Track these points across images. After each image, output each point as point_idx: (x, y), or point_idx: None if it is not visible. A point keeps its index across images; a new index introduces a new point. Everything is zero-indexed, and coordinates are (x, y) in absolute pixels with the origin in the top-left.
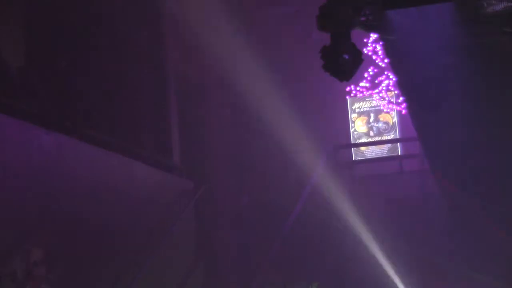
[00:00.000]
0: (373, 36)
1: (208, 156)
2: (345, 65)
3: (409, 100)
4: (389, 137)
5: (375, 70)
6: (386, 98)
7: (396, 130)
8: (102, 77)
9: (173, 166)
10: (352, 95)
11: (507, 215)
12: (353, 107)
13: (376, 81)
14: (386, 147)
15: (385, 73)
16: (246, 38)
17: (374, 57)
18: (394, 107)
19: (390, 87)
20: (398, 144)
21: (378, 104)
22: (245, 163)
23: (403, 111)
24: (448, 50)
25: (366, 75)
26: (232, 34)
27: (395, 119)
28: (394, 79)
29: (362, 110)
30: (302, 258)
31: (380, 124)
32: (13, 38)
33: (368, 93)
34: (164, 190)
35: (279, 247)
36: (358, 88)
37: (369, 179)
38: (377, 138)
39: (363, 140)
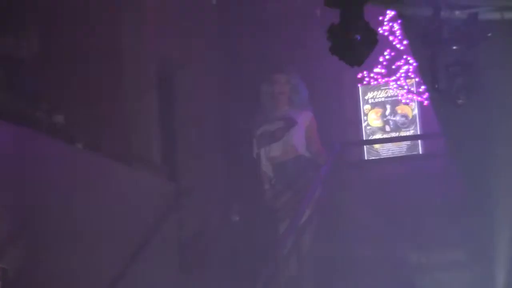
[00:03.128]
0: (390, 13)
1: (194, 154)
2: (356, 47)
3: (432, 89)
4: (408, 133)
5: (392, 54)
6: (405, 87)
7: (416, 124)
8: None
9: (153, 166)
10: (364, 83)
11: None
12: (366, 97)
13: (394, 67)
14: (404, 144)
15: (404, 57)
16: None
17: (391, 38)
18: (414, 97)
19: (409, 74)
20: (419, 141)
21: (396, 94)
22: (239, 163)
23: (425, 102)
24: None
25: (381, 59)
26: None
27: (416, 111)
28: (414, 64)
29: (376, 100)
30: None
31: (397, 118)
32: None
33: (383, 80)
34: (140, 192)
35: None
36: (371, 75)
37: (384, 182)
38: (394, 134)
39: (378, 136)
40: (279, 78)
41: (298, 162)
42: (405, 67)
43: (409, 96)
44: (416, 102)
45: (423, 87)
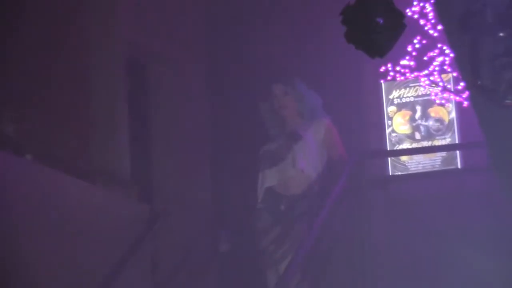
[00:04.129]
0: None
1: (173, 168)
2: (378, 34)
3: (473, 87)
4: (443, 142)
5: (424, 42)
6: (440, 83)
7: (454, 131)
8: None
9: (121, 182)
10: (389, 78)
11: None
12: (391, 97)
13: (425, 58)
14: (439, 156)
15: (439, 46)
16: None
17: (421, 21)
18: (451, 96)
19: (445, 67)
20: (457, 152)
21: (428, 92)
22: (231, 180)
23: (465, 103)
24: None
25: (409, 48)
26: None
27: (453, 114)
28: (451, 55)
29: (403, 101)
30: None
31: (430, 122)
32: None
33: (412, 75)
34: (104, 215)
35: None
36: (397, 69)
37: (413, 204)
38: (426, 143)
39: (405, 145)
40: (275, 91)
41: (308, 199)
42: (440, 58)
43: (445, 95)
44: (453, 103)
45: (462, 84)
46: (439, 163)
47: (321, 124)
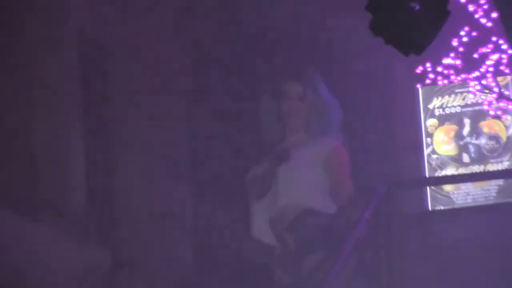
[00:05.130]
0: None
1: (141, 202)
2: (414, 23)
3: None
4: (500, 166)
5: (474, 34)
6: (495, 89)
7: None
8: None
9: (73, 220)
10: (428, 82)
11: None
12: (430, 106)
13: (475, 55)
14: (494, 185)
15: (493, 39)
16: None
17: (471, 7)
18: (510, 106)
19: (502, 68)
20: None
21: (479, 101)
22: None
23: None
24: None
25: (455, 43)
26: None
27: None
28: (510, 51)
29: (447, 112)
30: None
31: (482, 140)
32: None
33: (459, 78)
34: (51, 262)
35: None
36: (439, 69)
37: (461, 250)
38: (477, 168)
39: (450, 171)
40: (290, 90)
41: (305, 224)
42: (495, 56)
43: (502, 104)
44: None
45: None
46: (495, 194)
47: (327, 144)
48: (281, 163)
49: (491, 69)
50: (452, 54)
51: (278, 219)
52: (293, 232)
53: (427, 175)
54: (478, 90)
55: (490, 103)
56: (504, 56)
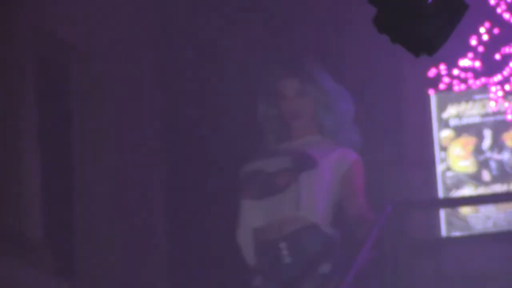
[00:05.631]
0: None
1: (107, 225)
2: (426, 18)
3: None
4: None
5: (495, 31)
6: None
7: None
8: None
9: (27, 246)
10: (442, 87)
11: None
12: (445, 116)
13: (497, 57)
14: None
15: None
16: None
17: (492, 1)
18: None
19: None
20: None
21: (502, 110)
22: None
23: None
24: None
25: (474, 41)
26: None
27: None
28: None
29: (465, 122)
30: None
31: (506, 155)
32: None
33: (478, 83)
34: None
35: None
36: (455, 72)
37: (482, 282)
38: (499, 187)
39: (467, 191)
40: (285, 88)
41: (308, 240)
42: None
43: None
44: None
45: None
46: None
47: (346, 156)
48: (307, 169)
49: None
50: (470, 55)
51: (277, 227)
52: (292, 244)
53: (441, 195)
54: (500, 97)
55: None
56: None
